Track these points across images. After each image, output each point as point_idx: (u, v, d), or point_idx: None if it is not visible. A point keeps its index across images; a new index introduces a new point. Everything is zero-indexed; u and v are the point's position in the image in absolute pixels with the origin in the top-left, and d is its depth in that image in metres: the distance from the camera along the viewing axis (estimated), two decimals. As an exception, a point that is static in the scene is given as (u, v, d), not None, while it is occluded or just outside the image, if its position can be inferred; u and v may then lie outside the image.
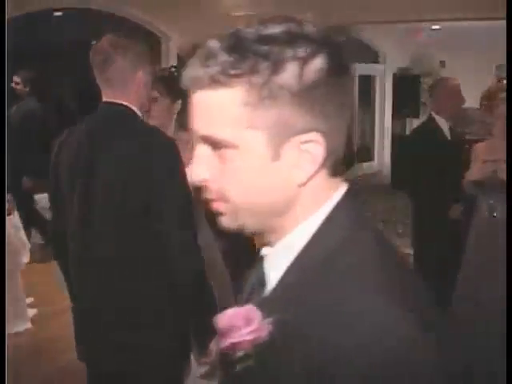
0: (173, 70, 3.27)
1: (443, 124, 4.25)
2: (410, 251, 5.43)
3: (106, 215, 2.27)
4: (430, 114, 4.37)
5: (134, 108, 2.35)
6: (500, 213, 3.60)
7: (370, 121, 12.50)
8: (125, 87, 2.33)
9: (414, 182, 4.27)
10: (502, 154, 3.46)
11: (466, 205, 4.01)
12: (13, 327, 4.54)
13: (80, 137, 2.36)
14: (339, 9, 7.51)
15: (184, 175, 2.25)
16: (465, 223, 4.15)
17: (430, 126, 4.32)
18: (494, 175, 3.56)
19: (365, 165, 12.24)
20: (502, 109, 3.51)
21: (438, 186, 4.04)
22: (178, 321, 2.35)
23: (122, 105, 2.33)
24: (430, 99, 4.52)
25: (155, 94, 3.05)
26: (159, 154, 2.24)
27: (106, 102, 2.36)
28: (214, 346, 2.41)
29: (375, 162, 12.44)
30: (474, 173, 3.68)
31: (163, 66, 8.33)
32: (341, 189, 0.99)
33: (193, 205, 2.27)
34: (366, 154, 12.51)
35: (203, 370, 2.73)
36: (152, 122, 3.07)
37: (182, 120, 3.25)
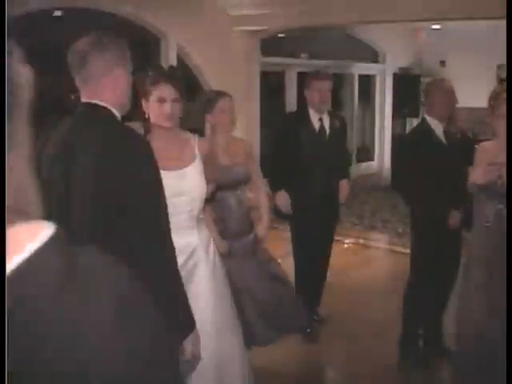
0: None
1: (436, 126, 4.24)
2: (408, 250, 5.42)
3: (82, 217, 2.29)
4: (423, 116, 4.38)
5: (111, 107, 2.36)
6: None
7: (370, 121, 12.50)
8: (100, 86, 2.33)
9: (408, 184, 4.27)
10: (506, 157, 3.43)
11: (467, 211, 3.97)
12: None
13: (58, 138, 2.38)
14: (339, 8, 7.51)
15: (159, 174, 2.33)
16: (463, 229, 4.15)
17: (423, 127, 4.31)
18: (499, 179, 3.48)
19: (364, 165, 12.24)
20: (503, 109, 3.50)
21: (433, 189, 4.03)
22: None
23: (97, 105, 2.34)
24: (424, 101, 4.52)
25: (176, 93, 3.08)
26: (133, 154, 2.28)
27: (83, 103, 2.38)
28: (188, 345, 2.43)
29: (375, 162, 12.44)
30: (479, 176, 3.60)
31: (163, 65, 8.32)
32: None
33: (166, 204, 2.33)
34: (366, 154, 12.51)
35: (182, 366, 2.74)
36: (174, 123, 3.10)
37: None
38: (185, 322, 2.43)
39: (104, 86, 2.34)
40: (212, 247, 3.29)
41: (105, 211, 2.27)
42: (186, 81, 9.07)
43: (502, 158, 3.42)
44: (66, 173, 2.31)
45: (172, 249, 2.36)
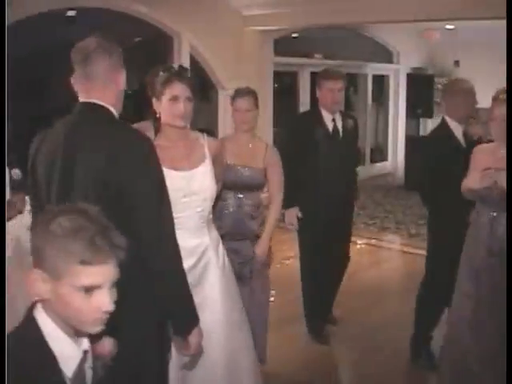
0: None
1: (456, 127, 4.18)
2: (422, 252, 5.37)
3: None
4: (443, 118, 4.29)
5: (110, 107, 2.38)
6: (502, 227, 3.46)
7: (384, 121, 12.46)
8: (102, 86, 2.36)
9: (427, 185, 4.22)
10: (504, 162, 3.31)
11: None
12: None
13: (56, 137, 2.38)
14: (353, 8, 7.47)
15: (161, 173, 2.33)
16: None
17: (442, 129, 4.25)
18: (495, 185, 3.34)
19: (378, 165, 12.19)
20: (498, 110, 3.42)
21: (451, 190, 3.97)
22: (156, 313, 2.39)
23: (97, 104, 2.36)
24: (443, 102, 4.43)
25: (189, 92, 3.07)
26: (137, 154, 2.29)
27: (83, 102, 2.39)
28: (193, 339, 2.47)
29: (388, 163, 12.39)
30: (474, 181, 3.48)
31: (180, 64, 8.31)
32: None
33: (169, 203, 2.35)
34: (380, 154, 12.47)
35: (184, 360, 2.74)
36: (187, 122, 3.10)
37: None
38: (190, 318, 2.46)
39: (106, 86, 2.36)
40: (221, 247, 3.28)
41: (105, 210, 2.26)
42: (198, 80, 9.08)
43: (499, 162, 3.35)
44: (66, 172, 2.32)
45: (176, 247, 2.37)
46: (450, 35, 10.67)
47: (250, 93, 3.96)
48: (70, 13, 7.82)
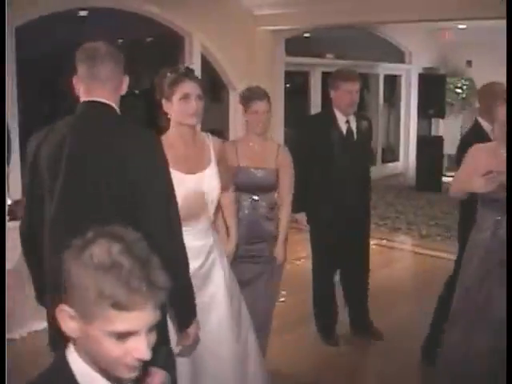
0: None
1: (489, 128, 4.14)
2: (433, 253, 5.42)
3: (86, 212, 2.33)
4: (476, 119, 4.26)
5: (115, 107, 2.43)
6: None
7: (395, 121, 12.43)
8: (109, 89, 2.40)
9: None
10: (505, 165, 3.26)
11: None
12: (31, 327, 4.68)
13: (59, 136, 2.40)
14: (366, 8, 7.45)
15: (169, 172, 2.38)
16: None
17: (476, 130, 4.21)
18: (501, 188, 3.25)
19: (389, 165, 12.17)
20: (499, 110, 3.38)
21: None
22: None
23: (101, 102, 2.39)
24: (478, 104, 4.37)
25: (200, 90, 3.08)
26: (148, 153, 2.34)
27: (87, 101, 2.41)
28: (192, 331, 2.53)
29: (400, 163, 12.36)
30: (479, 185, 3.36)
31: (187, 65, 8.32)
32: None
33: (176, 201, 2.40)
34: (391, 154, 12.44)
35: (179, 348, 2.78)
36: (198, 120, 3.12)
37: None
38: (190, 310, 2.54)
39: (110, 88, 2.40)
40: (222, 249, 3.35)
41: (109, 207, 2.31)
42: (209, 80, 9.07)
43: (501, 165, 3.28)
44: (73, 169, 2.34)
45: (182, 245, 2.42)
46: (462, 35, 10.63)
47: (266, 95, 3.88)
48: (82, 13, 7.85)
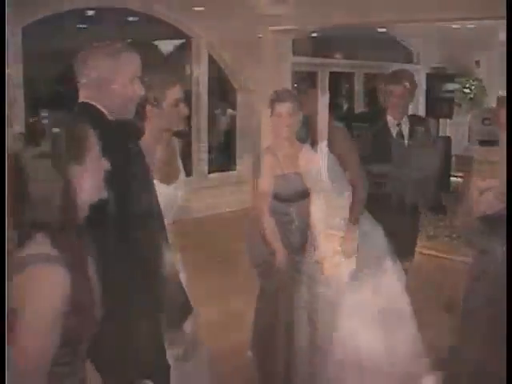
0: None
1: None
2: (440, 254, 5.36)
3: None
4: None
5: (104, 110, 2.38)
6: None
7: (403, 121, 12.37)
8: (103, 90, 2.37)
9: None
10: None
11: None
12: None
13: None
14: (375, 8, 7.42)
15: (149, 181, 2.42)
16: None
17: None
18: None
19: (397, 165, 12.10)
20: (502, 113, 3.28)
21: None
22: (149, 302, 2.40)
23: (91, 105, 2.36)
24: None
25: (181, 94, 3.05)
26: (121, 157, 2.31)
27: (81, 102, 2.40)
28: (188, 327, 2.48)
29: (407, 163, 12.29)
30: (480, 206, 3.07)
31: (194, 65, 8.33)
32: None
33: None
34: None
35: (177, 351, 2.75)
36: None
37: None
38: (183, 306, 2.53)
39: (103, 89, 2.37)
40: None
41: (97, 208, 2.29)
42: (216, 81, 9.06)
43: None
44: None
45: (167, 243, 2.46)
46: (470, 34, 10.59)
47: (291, 96, 3.66)
48: (90, 12, 7.85)
